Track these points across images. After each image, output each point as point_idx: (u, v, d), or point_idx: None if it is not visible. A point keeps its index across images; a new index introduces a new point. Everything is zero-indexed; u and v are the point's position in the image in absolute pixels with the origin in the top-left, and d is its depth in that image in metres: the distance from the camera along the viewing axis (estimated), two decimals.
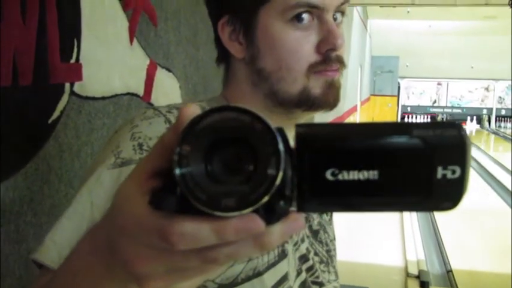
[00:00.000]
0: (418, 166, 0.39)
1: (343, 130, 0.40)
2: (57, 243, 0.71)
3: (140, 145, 0.74)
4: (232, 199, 0.37)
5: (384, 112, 18.36)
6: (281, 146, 0.38)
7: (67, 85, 1.31)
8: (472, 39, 16.21)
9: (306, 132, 0.40)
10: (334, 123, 0.41)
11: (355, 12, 10.39)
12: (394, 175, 0.39)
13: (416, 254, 5.20)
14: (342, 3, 0.84)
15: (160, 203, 0.39)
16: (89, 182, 0.74)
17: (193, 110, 0.39)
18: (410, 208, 0.41)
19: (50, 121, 1.25)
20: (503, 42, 14.73)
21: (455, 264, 4.98)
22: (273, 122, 0.90)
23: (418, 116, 19.93)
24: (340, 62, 0.84)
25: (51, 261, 0.70)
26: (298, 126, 0.40)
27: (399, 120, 18.84)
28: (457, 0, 6.37)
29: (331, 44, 0.82)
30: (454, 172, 0.39)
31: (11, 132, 1.14)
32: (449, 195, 0.40)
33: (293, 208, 0.40)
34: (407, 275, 4.78)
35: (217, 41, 0.88)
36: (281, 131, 0.38)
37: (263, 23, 0.82)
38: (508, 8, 5.87)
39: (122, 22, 1.58)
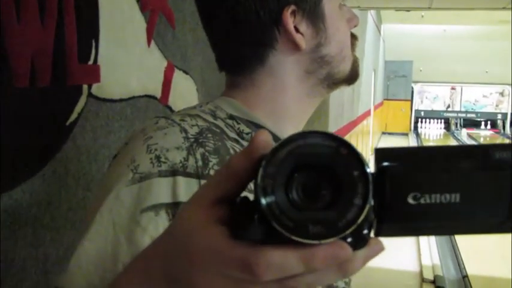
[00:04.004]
0: (498, 188, 0.39)
1: (423, 154, 0.40)
2: (83, 269, 0.67)
3: (158, 157, 0.70)
4: (319, 226, 0.36)
5: (397, 117, 18.27)
6: (368, 172, 0.37)
7: (85, 87, 1.30)
8: (487, 44, 16.09)
9: (387, 157, 0.39)
10: (413, 146, 0.41)
11: (369, 17, 10.35)
12: (475, 198, 0.39)
13: (432, 258, 5.16)
14: None
15: (241, 233, 0.38)
16: (108, 201, 0.69)
17: (266, 137, 0.38)
18: (490, 230, 0.41)
19: (67, 123, 1.24)
20: None
21: (471, 269, 4.93)
22: (306, 109, 0.89)
23: (432, 121, 19.80)
24: (357, 39, 0.93)
25: None
26: (377, 150, 0.39)
27: (413, 124, 18.74)
28: (474, 4, 6.31)
29: (355, 22, 0.91)
30: None
31: (29, 134, 1.12)
32: None
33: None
34: (423, 280, 4.75)
35: (259, 38, 0.82)
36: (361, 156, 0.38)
37: (328, 10, 0.84)
38: None
39: (139, 24, 1.56)
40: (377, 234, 0.40)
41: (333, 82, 0.88)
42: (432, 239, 5.66)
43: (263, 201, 0.36)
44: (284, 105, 0.85)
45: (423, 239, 5.56)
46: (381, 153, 0.39)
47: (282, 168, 0.37)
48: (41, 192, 1.16)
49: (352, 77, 0.90)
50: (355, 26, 0.91)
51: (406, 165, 0.39)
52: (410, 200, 0.38)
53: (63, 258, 1.22)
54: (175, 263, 0.42)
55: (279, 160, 0.37)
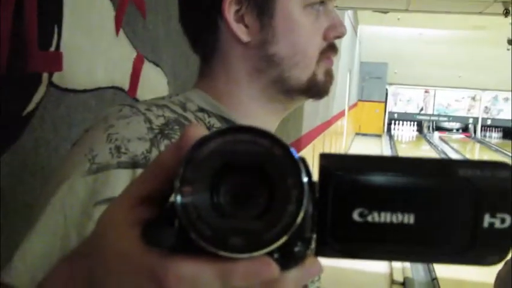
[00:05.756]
0: (461, 212, 0.33)
1: (375, 164, 0.34)
2: (28, 264, 0.62)
3: (118, 148, 0.66)
4: (241, 237, 0.31)
5: (371, 118, 18.42)
6: (304, 178, 0.31)
7: (45, 75, 1.22)
8: (461, 49, 16.29)
9: (332, 164, 0.34)
10: (365, 155, 0.35)
11: (346, 17, 10.36)
12: (433, 221, 0.33)
13: None
14: None
15: (154, 238, 0.33)
16: (61, 192, 0.65)
17: (199, 130, 0.33)
18: (448, 260, 0.35)
19: (24, 113, 1.16)
20: (492, 53, 14.82)
21: (440, 272, 4.96)
22: (265, 111, 0.83)
23: (405, 123, 20.01)
24: (337, 51, 0.85)
25: (21, 284, 0.62)
26: (322, 156, 0.34)
27: (386, 126, 18.91)
28: (451, 7, 6.34)
29: (338, 32, 0.82)
30: (503, 221, 0.33)
31: None
32: (495, 247, 0.34)
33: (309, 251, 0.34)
34: (392, 281, 4.76)
35: (204, 22, 0.81)
36: (303, 161, 0.32)
37: (283, 6, 0.78)
38: (497, 19, 5.88)
39: (107, 11, 1.48)
40: (317, 254, 0.35)
41: (287, 89, 0.81)
42: None
43: (178, 202, 0.31)
44: (242, 102, 0.82)
45: None
46: (327, 160, 0.34)
47: (206, 167, 0.32)
48: None
49: (311, 89, 0.82)
50: (337, 37, 0.83)
51: (355, 175, 0.34)
52: (356, 217, 0.33)
53: None
54: (93, 265, 0.38)
55: (203, 157, 0.32)
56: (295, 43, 0.79)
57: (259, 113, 0.82)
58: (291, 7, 0.78)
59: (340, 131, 11.89)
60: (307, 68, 0.80)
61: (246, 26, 0.79)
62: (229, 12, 0.78)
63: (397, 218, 0.33)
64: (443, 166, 0.34)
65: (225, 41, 0.80)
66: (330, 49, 0.83)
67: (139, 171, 0.65)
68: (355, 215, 0.33)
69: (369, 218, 0.33)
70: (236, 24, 0.78)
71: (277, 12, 0.78)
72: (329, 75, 0.84)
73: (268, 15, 0.78)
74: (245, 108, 0.82)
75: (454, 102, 20.34)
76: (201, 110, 0.78)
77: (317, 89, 0.82)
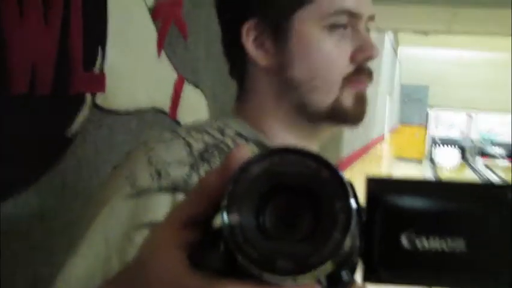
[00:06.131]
0: None
1: (424, 188, 0.34)
2: (71, 287, 0.63)
3: (158, 171, 0.66)
4: (289, 260, 0.30)
5: (411, 142, 18.12)
6: (352, 202, 0.31)
7: (88, 96, 1.23)
8: (504, 71, 15.99)
9: (379, 187, 0.33)
10: (412, 178, 0.34)
11: (387, 39, 10.31)
12: (485, 247, 0.33)
13: None
14: (373, 13, 0.79)
15: (200, 260, 0.33)
16: (102, 215, 0.66)
17: (245, 152, 0.33)
18: None
19: (68, 134, 1.17)
20: None
21: None
22: (296, 137, 0.80)
23: (447, 148, 19.64)
24: (370, 74, 0.79)
25: None
26: (369, 180, 0.33)
27: (428, 151, 18.60)
28: (493, 29, 6.25)
29: (367, 54, 0.77)
30: None
31: (25, 144, 1.06)
32: None
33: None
34: None
35: (232, 48, 0.81)
36: (351, 185, 0.32)
37: (298, 29, 0.75)
38: None
39: (150, 33, 1.51)
40: (364, 280, 0.34)
41: (310, 114, 0.78)
42: None
43: (226, 224, 0.31)
44: (272, 128, 0.80)
45: None
46: (374, 183, 0.33)
47: (253, 188, 0.32)
48: (35, 206, 1.09)
49: (336, 115, 0.77)
50: (367, 59, 0.77)
51: (402, 199, 0.33)
52: (404, 242, 0.32)
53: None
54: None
55: (250, 178, 0.32)
56: (312, 67, 0.76)
57: (291, 139, 0.80)
58: (308, 29, 0.75)
59: (380, 155, 11.76)
60: (329, 93, 0.76)
61: (266, 51, 0.77)
62: (248, 38, 0.77)
63: (445, 243, 0.32)
64: (492, 190, 0.33)
65: (251, 67, 0.79)
66: (360, 72, 0.78)
67: (179, 195, 0.65)
68: (403, 240, 0.33)
69: (417, 244, 0.32)
70: (255, 49, 0.77)
71: (292, 35, 0.76)
72: (360, 100, 0.78)
73: (283, 39, 0.76)
74: (276, 133, 0.80)
75: (498, 127, 19.87)
76: (239, 135, 0.78)
77: (344, 115, 0.78)
